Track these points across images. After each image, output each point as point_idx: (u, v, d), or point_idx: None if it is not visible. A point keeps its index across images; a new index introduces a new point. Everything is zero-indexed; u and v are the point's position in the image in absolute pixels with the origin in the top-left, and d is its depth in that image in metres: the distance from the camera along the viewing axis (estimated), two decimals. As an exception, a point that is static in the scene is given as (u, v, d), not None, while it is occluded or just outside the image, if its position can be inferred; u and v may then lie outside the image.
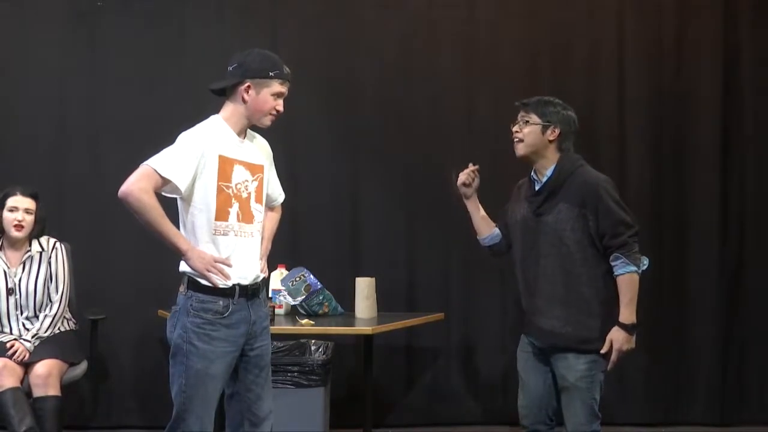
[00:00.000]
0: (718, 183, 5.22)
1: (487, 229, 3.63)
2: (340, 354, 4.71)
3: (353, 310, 4.46)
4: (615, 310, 3.26)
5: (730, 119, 5.24)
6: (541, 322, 3.33)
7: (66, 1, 5.11)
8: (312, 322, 4.24)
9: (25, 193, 4.23)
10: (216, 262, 2.96)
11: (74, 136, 5.08)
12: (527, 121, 3.36)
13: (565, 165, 3.34)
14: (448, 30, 5.23)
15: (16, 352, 4.03)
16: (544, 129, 3.35)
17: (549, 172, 3.36)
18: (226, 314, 3.00)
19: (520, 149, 3.38)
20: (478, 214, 3.63)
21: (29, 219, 4.21)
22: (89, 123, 5.08)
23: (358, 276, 4.52)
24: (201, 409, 2.98)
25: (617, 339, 3.23)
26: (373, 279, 4.48)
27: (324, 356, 4.41)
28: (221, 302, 3.00)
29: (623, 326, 3.24)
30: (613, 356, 3.24)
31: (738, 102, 5.25)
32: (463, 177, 3.57)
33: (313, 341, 4.52)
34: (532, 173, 3.43)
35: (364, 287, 4.44)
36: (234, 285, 3.02)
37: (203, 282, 2.97)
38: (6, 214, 4.20)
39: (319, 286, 4.43)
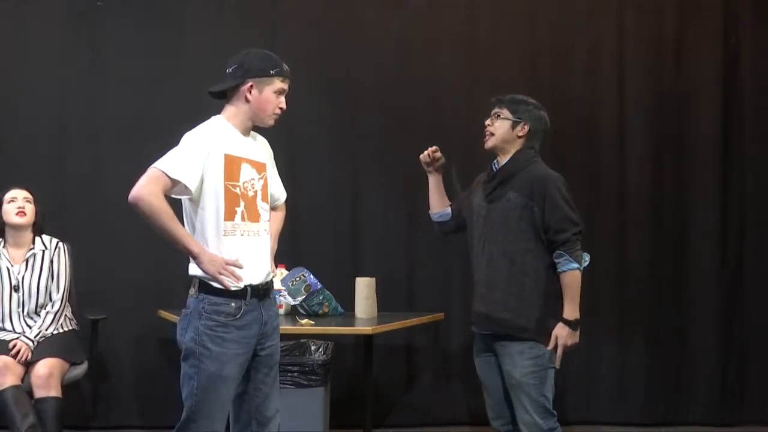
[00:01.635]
0: (718, 183, 5.22)
1: (440, 205, 3.77)
2: (340, 354, 4.71)
3: (353, 310, 4.46)
4: (555, 303, 3.35)
5: (730, 119, 5.24)
6: (481, 306, 3.44)
7: (66, 1, 5.11)
8: (312, 322, 4.24)
9: (21, 186, 4.29)
10: (227, 264, 2.95)
11: (74, 136, 5.08)
12: (499, 116, 3.50)
13: (519, 157, 3.47)
14: (448, 30, 5.23)
15: (18, 351, 4.03)
16: (514, 125, 3.48)
17: (505, 161, 3.49)
18: (238, 316, 2.99)
19: (490, 142, 3.52)
20: (435, 189, 3.77)
21: (30, 207, 4.26)
22: (89, 123, 5.08)
23: (358, 276, 4.52)
24: (213, 412, 2.97)
25: (561, 335, 3.32)
26: (373, 279, 4.48)
27: (324, 356, 4.41)
28: (233, 304, 2.99)
29: (567, 322, 3.33)
30: (558, 351, 3.33)
31: (738, 102, 5.25)
32: (422, 157, 3.74)
33: (313, 341, 4.52)
34: (494, 162, 3.56)
35: (364, 287, 4.44)
36: (246, 286, 3.01)
37: (215, 284, 2.96)
38: (6, 206, 4.24)
39: (319, 286, 4.43)
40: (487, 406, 3.58)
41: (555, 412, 3.39)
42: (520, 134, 3.47)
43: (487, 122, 3.53)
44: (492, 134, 3.50)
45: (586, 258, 3.39)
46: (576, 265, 3.31)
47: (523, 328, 3.33)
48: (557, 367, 3.36)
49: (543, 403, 3.35)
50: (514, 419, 3.46)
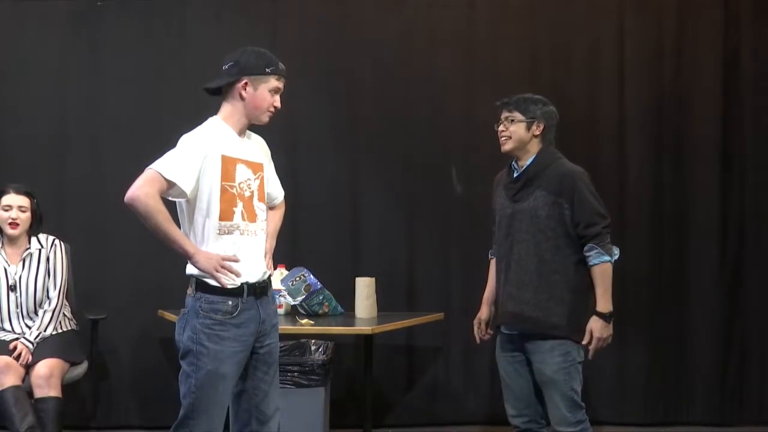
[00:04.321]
0: (718, 183, 5.22)
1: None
2: (340, 354, 4.71)
3: (353, 310, 4.47)
4: (585, 298, 3.39)
5: (730, 119, 5.24)
6: (512, 306, 3.44)
7: (66, 1, 5.11)
8: (312, 322, 4.25)
9: (18, 191, 4.24)
10: (224, 260, 2.96)
11: (74, 136, 5.08)
12: (512, 120, 3.49)
13: (544, 156, 3.48)
14: (448, 30, 5.23)
15: (20, 354, 4.03)
16: (529, 125, 3.48)
17: (529, 161, 3.49)
18: (235, 314, 3.00)
19: (508, 145, 3.51)
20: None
21: (24, 216, 4.23)
22: (89, 123, 5.08)
23: (358, 276, 4.53)
24: (211, 410, 2.98)
25: (596, 328, 3.36)
26: (373, 279, 4.49)
27: (324, 356, 4.41)
28: (230, 302, 3.00)
29: (601, 315, 3.37)
30: (593, 344, 3.36)
31: (738, 102, 5.25)
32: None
33: (313, 341, 4.52)
34: (513, 162, 3.55)
35: (364, 287, 4.44)
36: (242, 284, 3.02)
37: (212, 283, 2.97)
38: (0, 212, 4.22)
39: (319, 286, 4.43)
40: (507, 404, 3.57)
41: (583, 405, 3.43)
42: (536, 133, 3.48)
43: (501, 128, 3.52)
44: (509, 137, 3.49)
45: (616, 251, 3.41)
46: (608, 258, 3.35)
47: (556, 325, 3.36)
48: (590, 358, 3.40)
49: (572, 397, 3.39)
50: (537, 416, 3.51)
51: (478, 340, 3.73)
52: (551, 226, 3.37)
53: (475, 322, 3.72)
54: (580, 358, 3.41)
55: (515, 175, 3.51)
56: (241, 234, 3.04)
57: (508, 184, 3.53)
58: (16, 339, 4.11)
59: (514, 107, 3.50)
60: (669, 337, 5.18)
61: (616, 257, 3.40)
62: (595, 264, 3.35)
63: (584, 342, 3.36)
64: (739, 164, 5.25)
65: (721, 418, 5.17)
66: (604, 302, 3.36)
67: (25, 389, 4.01)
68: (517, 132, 3.47)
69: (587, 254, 3.36)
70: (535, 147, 3.49)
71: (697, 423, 5.17)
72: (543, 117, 3.49)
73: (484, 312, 3.71)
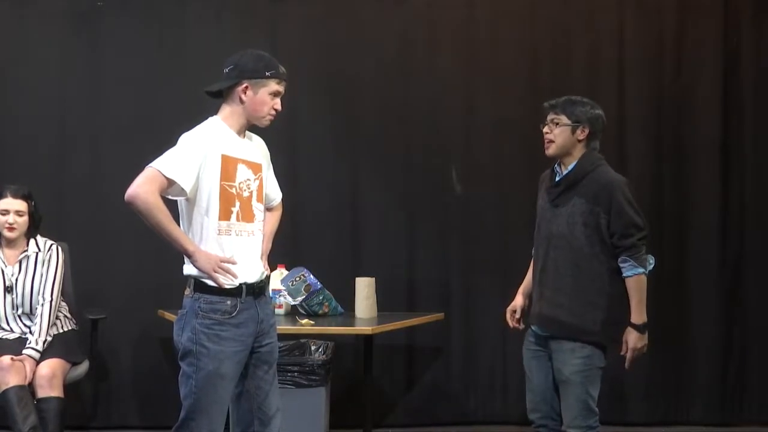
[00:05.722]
0: (718, 183, 5.22)
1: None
2: (340, 354, 4.71)
3: (353, 310, 4.47)
4: (619, 305, 3.37)
5: (730, 119, 5.24)
6: (546, 309, 3.43)
7: (66, 1, 5.11)
8: (312, 322, 4.25)
9: (16, 195, 4.21)
10: (222, 261, 2.97)
11: (74, 136, 5.07)
12: (557, 123, 3.45)
13: (585, 162, 3.44)
14: (448, 30, 5.23)
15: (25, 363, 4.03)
16: (574, 129, 3.44)
17: (571, 166, 3.45)
18: (234, 314, 3.00)
19: (551, 150, 3.47)
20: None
21: (21, 220, 4.21)
22: (89, 123, 5.07)
23: (358, 276, 4.53)
24: (212, 410, 2.99)
25: (631, 339, 3.37)
26: (373, 279, 4.49)
27: (324, 356, 4.41)
28: (229, 302, 3.00)
29: (635, 326, 3.37)
30: (629, 355, 3.38)
31: (738, 102, 5.25)
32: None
33: (313, 341, 4.52)
34: (556, 165, 3.52)
35: (364, 287, 4.44)
36: (241, 284, 3.02)
37: (210, 283, 2.98)
38: None
39: (319, 286, 4.43)
40: (527, 399, 3.58)
41: (597, 411, 3.42)
42: (581, 138, 3.43)
43: (545, 130, 3.48)
44: (552, 141, 3.45)
45: (651, 261, 3.40)
46: (641, 270, 3.34)
47: (588, 331, 3.35)
48: (627, 368, 3.41)
49: (587, 401, 3.38)
50: (552, 414, 3.50)
51: (512, 327, 3.68)
52: (587, 234, 3.35)
53: (509, 309, 3.68)
54: (601, 364, 3.40)
55: (557, 179, 3.47)
56: (237, 235, 3.04)
57: (549, 188, 3.50)
58: (17, 338, 4.13)
59: (560, 110, 3.45)
60: (669, 337, 5.18)
61: (651, 267, 3.40)
62: (629, 276, 3.35)
63: (621, 352, 3.38)
64: (739, 164, 5.25)
65: (721, 418, 5.18)
66: (638, 313, 3.36)
67: (29, 389, 4.01)
68: (560, 135, 3.42)
69: (621, 266, 3.35)
70: (578, 151, 3.44)
71: (697, 423, 5.18)
72: (588, 121, 3.44)
73: (519, 300, 3.67)
